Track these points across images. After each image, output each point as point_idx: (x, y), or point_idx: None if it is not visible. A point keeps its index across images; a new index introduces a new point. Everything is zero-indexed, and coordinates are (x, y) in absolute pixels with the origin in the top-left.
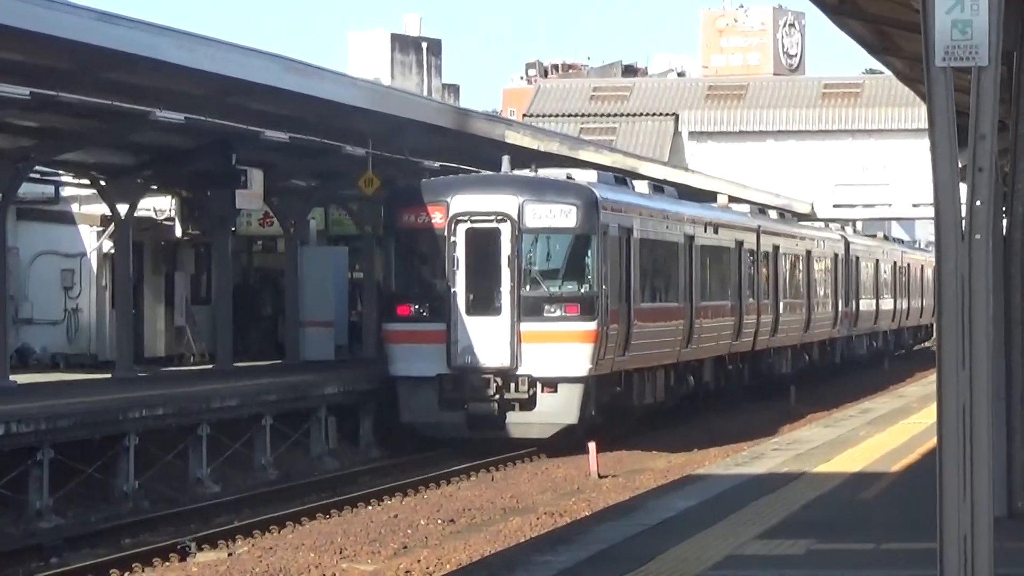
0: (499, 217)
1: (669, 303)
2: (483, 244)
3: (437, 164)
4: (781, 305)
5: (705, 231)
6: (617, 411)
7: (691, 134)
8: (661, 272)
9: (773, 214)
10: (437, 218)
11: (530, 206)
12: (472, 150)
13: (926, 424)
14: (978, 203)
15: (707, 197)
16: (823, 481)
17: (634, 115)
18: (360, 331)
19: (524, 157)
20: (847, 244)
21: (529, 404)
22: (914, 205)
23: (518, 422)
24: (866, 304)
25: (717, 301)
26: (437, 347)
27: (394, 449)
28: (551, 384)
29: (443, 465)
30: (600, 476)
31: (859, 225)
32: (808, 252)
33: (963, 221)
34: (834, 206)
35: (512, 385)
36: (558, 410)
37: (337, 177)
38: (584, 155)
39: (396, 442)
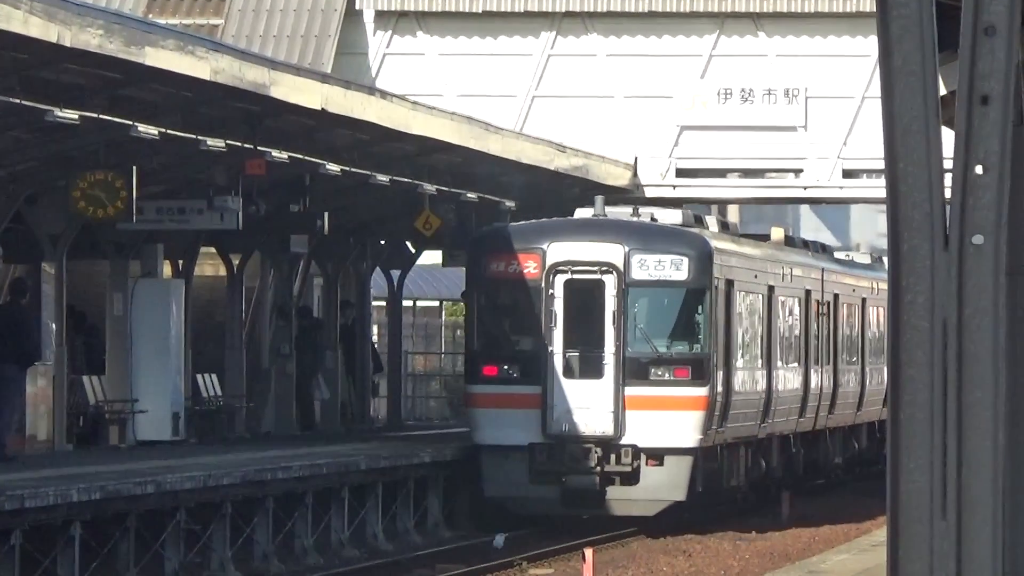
0: (603, 268)
1: (755, 367)
2: (584, 298)
3: None
4: (840, 372)
5: (783, 279)
6: (710, 493)
7: (381, 15)
8: (749, 330)
9: (814, 245)
10: (531, 268)
11: (637, 256)
12: None
13: None
14: (978, 171)
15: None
16: None
17: None
18: None
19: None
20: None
21: (632, 478)
22: (847, 174)
23: (620, 498)
24: None
25: (790, 366)
26: (529, 412)
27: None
28: (657, 456)
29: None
30: None
31: (732, 212)
32: (863, 300)
33: (946, 210)
34: (679, 172)
35: (613, 456)
36: (665, 485)
37: None
38: (154, 57)
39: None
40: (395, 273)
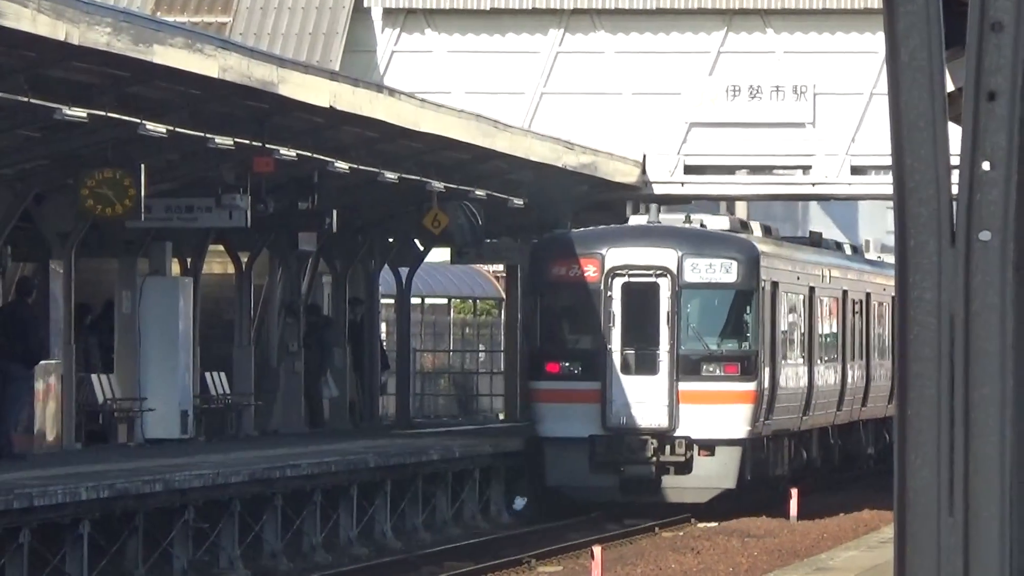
0: (658, 271)
1: (798, 363)
2: (641, 300)
3: None
4: (873, 367)
5: (822, 280)
6: (756, 481)
7: (389, 12)
8: (793, 328)
9: (847, 247)
10: (590, 271)
11: (689, 260)
12: None
13: None
14: (985, 167)
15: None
16: None
17: None
18: None
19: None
20: None
21: (685, 468)
22: (856, 170)
23: (674, 486)
24: None
25: (829, 362)
26: (589, 407)
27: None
28: (708, 447)
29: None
30: None
31: (740, 209)
32: (893, 299)
33: (953, 206)
34: (687, 169)
35: (668, 447)
36: (716, 474)
37: None
38: (163, 55)
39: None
40: (403, 271)
